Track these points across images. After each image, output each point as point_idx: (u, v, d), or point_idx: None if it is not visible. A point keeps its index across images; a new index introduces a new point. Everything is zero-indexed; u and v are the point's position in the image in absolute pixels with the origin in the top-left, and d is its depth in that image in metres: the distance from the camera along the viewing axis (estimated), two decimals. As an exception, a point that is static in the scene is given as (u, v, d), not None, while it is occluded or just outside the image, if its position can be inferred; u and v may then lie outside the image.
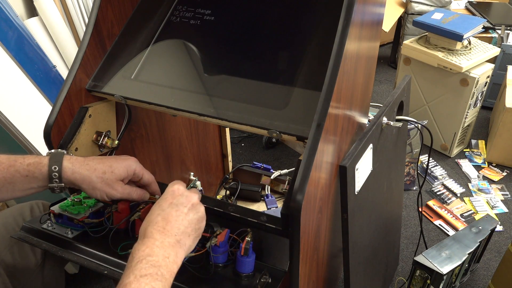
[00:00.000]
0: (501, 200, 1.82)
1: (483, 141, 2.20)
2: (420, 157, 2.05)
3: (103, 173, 0.75)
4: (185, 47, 0.95)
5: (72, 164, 0.74)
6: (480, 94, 1.96)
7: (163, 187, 0.86)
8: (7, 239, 0.93)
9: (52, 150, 0.77)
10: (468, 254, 1.20)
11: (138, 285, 0.56)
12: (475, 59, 1.88)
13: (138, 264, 0.58)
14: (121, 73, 0.95)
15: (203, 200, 0.81)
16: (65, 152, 0.76)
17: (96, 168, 0.75)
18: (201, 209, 0.71)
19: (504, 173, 1.98)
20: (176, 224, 0.65)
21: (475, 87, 1.87)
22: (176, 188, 0.71)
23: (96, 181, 0.74)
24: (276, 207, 1.57)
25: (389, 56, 3.07)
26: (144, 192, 0.81)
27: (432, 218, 1.72)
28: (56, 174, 0.73)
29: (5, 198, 0.75)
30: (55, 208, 0.85)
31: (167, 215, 0.66)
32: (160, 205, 0.68)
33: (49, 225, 0.84)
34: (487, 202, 1.81)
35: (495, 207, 1.78)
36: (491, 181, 1.93)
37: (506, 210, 1.76)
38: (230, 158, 1.65)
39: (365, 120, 1.07)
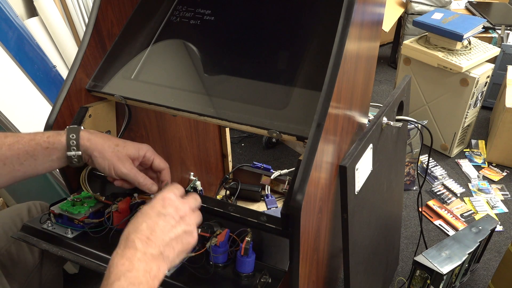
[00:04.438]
0: (501, 200, 1.82)
1: (483, 141, 2.20)
2: (420, 157, 2.05)
3: (116, 145, 0.78)
4: (185, 47, 0.95)
5: (89, 133, 0.78)
6: (480, 94, 1.96)
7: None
8: (5, 239, 0.93)
9: (70, 126, 0.79)
10: (468, 254, 1.20)
11: None
12: (475, 59, 1.88)
13: (115, 282, 0.54)
14: (121, 73, 0.94)
15: (203, 200, 0.81)
16: (82, 127, 0.79)
17: (111, 139, 0.78)
18: (191, 221, 0.67)
19: (504, 173, 1.98)
20: (161, 235, 0.61)
21: (475, 87, 1.87)
22: (167, 196, 0.66)
23: (107, 150, 0.77)
24: (276, 207, 1.57)
25: (389, 56, 3.07)
26: (152, 183, 0.79)
27: (432, 218, 1.72)
28: (74, 141, 0.76)
29: (28, 173, 0.76)
30: (55, 208, 0.85)
31: (153, 224, 0.62)
32: (147, 213, 0.64)
33: (49, 225, 0.84)
34: (487, 202, 1.81)
35: (495, 207, 1.78)
36: (491, 181, 1.93)
37: (506, 210, 1.76)
38: (230, 158, 1.65)
39: (365, 120, 1.07)
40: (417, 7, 2.59)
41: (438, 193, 1.86)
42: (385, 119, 0.95)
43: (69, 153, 0.75)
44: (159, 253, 0.60)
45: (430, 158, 2.07)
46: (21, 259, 0.95)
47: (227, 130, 1.58)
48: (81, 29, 1.82)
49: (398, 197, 1.31)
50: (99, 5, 0.94)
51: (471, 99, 1.91)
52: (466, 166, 2.03)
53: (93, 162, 0.77)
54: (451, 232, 1.65)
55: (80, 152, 0.76)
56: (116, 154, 0.77)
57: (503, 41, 2.40)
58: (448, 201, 1.81)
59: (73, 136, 0.75)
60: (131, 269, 0.56)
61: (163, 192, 0.68)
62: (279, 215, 0.71)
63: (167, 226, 0.63)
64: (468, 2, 2.87)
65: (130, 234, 0.61)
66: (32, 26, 1.69)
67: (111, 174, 0.77)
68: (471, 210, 1.77)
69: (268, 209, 1.56)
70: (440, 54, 1.91)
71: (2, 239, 0.93)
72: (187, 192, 0.75)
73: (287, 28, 0.88)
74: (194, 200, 0.71)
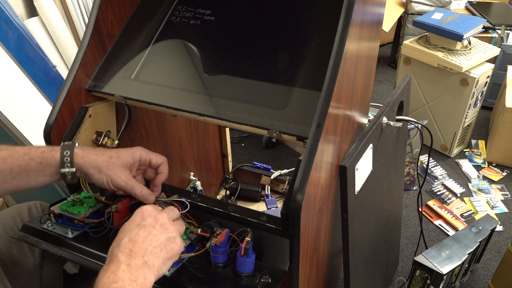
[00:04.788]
0: (501, 200, 1.82)
1: (483, 141, 2.20)
2: (420, 157, 2.05)
3: (110, 157, 0.77)
4: (185, 47, 0.95)
5: (82, 150, 0.77)
6: (480, 94, 1.96)
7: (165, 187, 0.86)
8: (6, 239, 0.93)
9: (65, 142, 0.79)
10: (468, 254, 1.20)
11: None
12: (475, 59, 1.88)
13: None
14: (121, 73, 0.95)
15: (203, 200, 0.81)
16: (76, 144, 0.79)
17: (104, 153, 0.78)
18: (172, 228, 0.68)
19: (504, 173, 1.98)
20: (143, 245, 0.63)
21: (475, 87, 1.87)
22: (145, 209, 0.69)
23: (102, 164, 0.76)
24: (276, 207, 1.57)
25: (389, 56, 3.07)
26: (149, 193, 0.79)
27: (432, 218, 1.72)
28: (68, 158, 0.75)
29: (20, 187, 0.76)
30: (55, 208, 0.85)
31: (134, 236, 0.64)
32: (128, 227, 0.66)
33: (49, 225, 0.85)
34: (487, 202, 1.80)
35: (495, 207, 1.78)
36: (491, 181, 1.93)
37: (506, 210, 1.76)
38: (230, 158, 1.65)
39: (365, 120, 1.07)
40: (417, 7, 2.59)
41: (438, 193, 1.86)
42: (385, 119, 0.95)
43: (63, 170, 0.75)
44: (143, 262, 0.62)
45: (430, 158, 2.07)
46: (22, 259, 0.95)
47: (227, 130, 1.58)
48: (81, 29, 1.82)
49: (398, 197, 1.31)
50: (99, 5, 0.94)
51: (471, 99, 1.91)
52: (466, 166, 2.03)
53: (90, 178, 0.78)
54: (451, 232, 1.65)
55: (74, 169, 0.76)
56: (111, 167, 0.76)
57: (503, 41, 2.40)
58: (448, 201, 1.81)
59: (67, 153, 0.75)
60: (117, 281, 0.57)
61: (141, 207, 0.70)
62: (279, 215, 0.71)
63: (149, 236, 0.65)
64: (468, 2, 2.87)
65: (113, 250, 0.63)
66: (32, 26, 1.69)
67: (109, 187, 0.78)
68: (471, 210, 1.77)
69: (268, 209, 1.56)
70: (440, 54, 1.91)
71: (3, 239, 0.93)
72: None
73: (287, 28, 0.88)
74: (172, 211, 0.72)
